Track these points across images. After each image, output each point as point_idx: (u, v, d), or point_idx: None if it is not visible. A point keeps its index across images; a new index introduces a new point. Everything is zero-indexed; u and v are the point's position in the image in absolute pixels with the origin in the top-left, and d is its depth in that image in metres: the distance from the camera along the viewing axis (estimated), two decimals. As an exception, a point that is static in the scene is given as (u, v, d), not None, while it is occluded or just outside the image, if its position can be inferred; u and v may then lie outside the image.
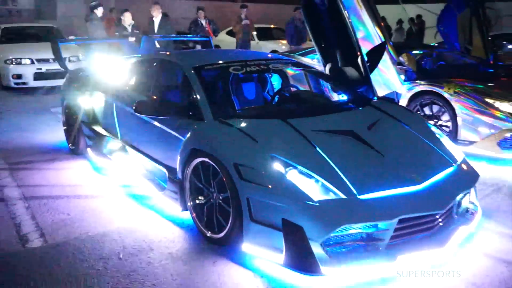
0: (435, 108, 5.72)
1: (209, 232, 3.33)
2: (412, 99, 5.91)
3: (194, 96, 3.74)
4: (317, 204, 2.79)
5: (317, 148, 3.15)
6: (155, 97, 4.19)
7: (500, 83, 5.81)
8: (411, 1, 15.02)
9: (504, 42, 9.45)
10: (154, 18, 9.75)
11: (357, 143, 3.32)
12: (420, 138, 3.59)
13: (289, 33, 12.32)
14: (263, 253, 2.96)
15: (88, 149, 5.15)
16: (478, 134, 5.33)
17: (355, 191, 2.90)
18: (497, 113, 5.22)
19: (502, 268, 3.03)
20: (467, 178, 3.43)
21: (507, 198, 4.24)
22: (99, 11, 9.31)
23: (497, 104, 5.29)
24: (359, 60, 4.39)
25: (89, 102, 5.13)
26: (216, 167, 3.18)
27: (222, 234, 3.22)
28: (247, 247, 3.03)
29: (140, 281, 2.89)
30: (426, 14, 15.23)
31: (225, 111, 3.68)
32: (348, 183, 2.93)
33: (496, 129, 5.18)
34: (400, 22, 14.85)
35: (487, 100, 5.33)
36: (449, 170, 3.35)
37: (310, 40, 12.11)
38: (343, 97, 4.50)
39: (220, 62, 4.28)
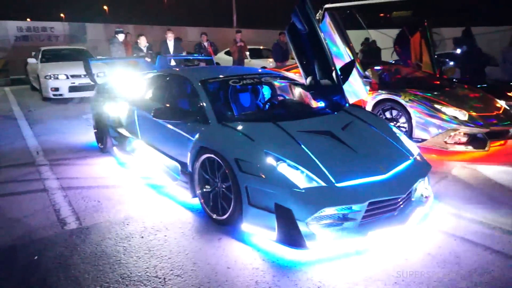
0: (394, 112, 5.70)
1: (215, 215, 3.27)
2: (375, 105, 5.88)
3: (201, 104, 3.67)
4: (303, 191, 2.75)
5: (302, 145, 3.10)
6: (168, 105, 4.12)
7: (445, 93, 5.80)
8: (371, 27, 15.06)
9: (447, 60, 9.46)
10: (168, 41, 9.63)
11: (334, 141, 3.28)
12: (384, 136, 3.57)
13: (275, 52, 12.29)
14: (259, 231, 2.91)
15: (114, 148, 5.06)
16: (429, 133, 5.32)
17: (333, 180, 2.86)
18: (444, 116, 5.21)
19: (452, 241, 3.01)
20: (422, 168, 3.41)
21: (452, 184, 4.23)
22: (121, 37, 9.17)
23: (443, 109, 5.28)
24: (333, 74, 4.34)
25: (114, 110, 5.03)
26: (220, 161, 3.13)
27: (225, 216, 3.16)
28: (245, 226, 2.98)
29: (158, 256, 2.83)
30: (382, 37, 15.35)
31: (226, 116, 3.61)
32: (327, 173, 2.89)
33: (443, 129, 5.18)
34: (364, 43, 14.84)
35: (436, 106, 5.32)
36: (408, 162, 3.32)
37: (293, 58, 12.14)
38: (321, 104, 4.45)
39: (221, 76, 4.21)
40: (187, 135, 3.60)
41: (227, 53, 14.67)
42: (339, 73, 4.38)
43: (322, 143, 3.23)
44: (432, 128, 5.26)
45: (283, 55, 12.15)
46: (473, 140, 5.19)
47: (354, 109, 4.12)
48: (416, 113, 5.36)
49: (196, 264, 2.73)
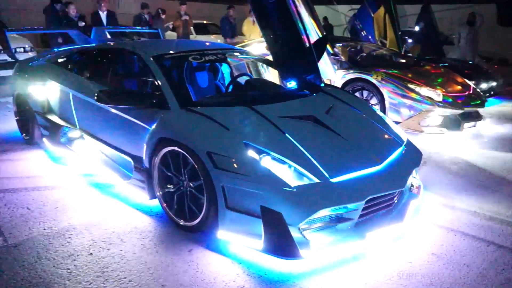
0: (365, 93, 5.53)
1: (182, 221, 2.83)
2: (344, 85, 5.67)
3: (157, 85, 3.15)
4: (294, 189, 2.39)
5: (286, 134, 2.73)
6: (114, 87, 3.54)
7: (415, 71, 5.73)
8: (323, 3, 14.99)
9: (406, 37, 9.55)
10: (100, 12, 8.72)
11: (320, 128, 2.95)
12: (371, 121, 3.31)
13: (223, 28, 11.78)
14: (240, 240, 2.52)
15: (44, 139, 4.35)
16: (401, 115, 5.21)
17: (327, 175, 2.53)
18: (417, 97, 5.12)
19: (452, 236, 2.85)
20: (414, 156, 3.20)
21: (435, 171, 4.13)
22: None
23: (417, 89, 5.20)
24: (306, 50, 4.00)
25: (42, 93, 4.32)
26: (187, 156, 2.67)
27: (195, 222, 2.73)
28: (222, 234, 2.57)
29: (115, 278, 2.34)
30: (334, 13, 15.41)
31: (190, 99, 3.12)
32: (319, 167, 2.56)
33: (416, 111, 5.09)
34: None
35: (409, 85, 5.22)
36: (399, 149, 3.09)
37: (243, 34, 11.65)
38: (293, 84, 4.11)
39: (179, 51, 3.68)
40: (141, 123, 3.07)
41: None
42: (313, 49, 4.05)
43: (308, 131, 2.89)
44: (405, 110, 5.16)
45: (232, 30, 11.69)
46: (446, 121, 5.17)
47: (333, 90, 3.82)
48: (389, 93, 5.23)
49: (165, 286, 2.29)
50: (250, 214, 2.44)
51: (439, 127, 5.13)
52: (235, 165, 2.48)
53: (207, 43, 4.54)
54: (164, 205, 2.95)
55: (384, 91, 5.25)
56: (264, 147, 2.56)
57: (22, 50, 8.04)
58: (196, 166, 2.62)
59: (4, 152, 4.45)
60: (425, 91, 5.16)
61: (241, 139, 2.59)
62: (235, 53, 4.03)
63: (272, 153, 2.54)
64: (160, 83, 3.12)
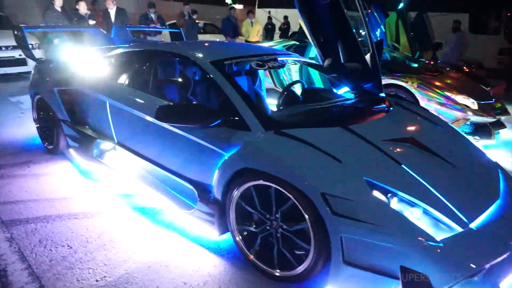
0: (398, 100, 4.79)
1: (270, 269, 2.02)
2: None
3: (226, 98, 2.28)
4: (441, 244, 1.63)
5: (403, 166, 1.96)
6: (176, 102, 2.64)
7: (442, 78, 5.03)
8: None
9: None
10: (109, 10, 7.60)
11: (427, 154, 2.18)
12: (464, 141, 2.57)
13: (225, 28, 10.86)
14: (361, 302, 1.75)
15: (71, 150, 3.42)
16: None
17: (465, 219, 1.78)
18: (454, 105, 4.44)
19: None
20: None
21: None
22: (59, 2, 6.78)
23: (453, 96, 4.50)
24: (368, 55, 3.22)
25: (70, 99, 3.37)
26: (285, 193, 1.86)
27: (290, 273, 1.94)
28: (334, 292, 1.79)
29: None
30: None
31: (271, 118, 2.27)
32: (455, 210, 1.81)
33: (453, 119, 4.41)
34: (283, 23, 13.76)
35: (446, 93, 4.52)
36: (499, 173, 2.37)
37: (241, 35, 10.67)
38: (340, 92, 3.34)
39: (238, 55, 2.79)
40: (210, 146, 2.22)
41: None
42: (376, 54, 3.26)
43: (419, 159, 2.11)
44: (443, 118, 4.46)
45: (234, 30, 10.75)
46: (479, 130, 4.52)
47: (405, 103, 3.06)
48: (426, 101, 4.51)
49: None
50: (380, 273, 1.67)
51: (472, 135, 4.48)
52: (358, 211, 1.69)
53: (255, 47, 3.64)
54: (242, 244, 2.13)
55: (420, 98, 4.54)
56: (390, 185, 1.78)
57: (36, 46, 6.84)
58: (300, 207, 1.82)
59: (27, 165, 3.48)
60: (460, 99, 4.49)
61: (359, 175, 1.80)
62: (290, 58, 3.19)
63: (400, 193, 1.76)
64: (230, 96, 2.26)
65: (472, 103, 4.49)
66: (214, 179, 2.19)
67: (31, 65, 5.69)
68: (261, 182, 1.95)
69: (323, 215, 1.72)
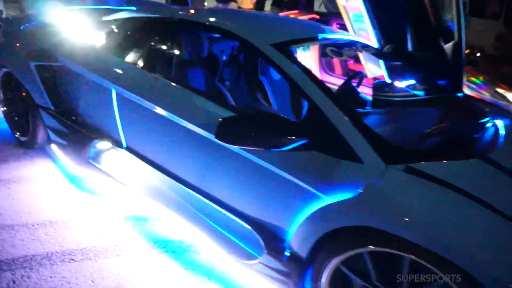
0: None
1: None
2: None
3: (314, 107, 1.51)
4: None
5: None
6: (231, 105, 1.84)
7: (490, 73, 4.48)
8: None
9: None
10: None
11: None
12: None
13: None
14: None
15: (54, 147, 2.54)
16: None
17: None
18: (507, 103, 3.90)
19: None
20: None
21: None
22: None
23: (506, 94, 3.96)
24: (449, 44, 2.53)
25: (52, 77, 2.45)
26: (440, 273, 1.18)
27: None
28: None
29: None
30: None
31: (391, 143, 1.47)
32: None
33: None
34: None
35: (498, 90, 3.96)
36: None
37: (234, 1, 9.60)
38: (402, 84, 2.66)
39: (307, 37, 1.98)
40: (294, 179, 1.46)
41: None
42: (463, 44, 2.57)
43: None
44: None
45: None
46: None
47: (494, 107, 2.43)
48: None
49: None
50: None
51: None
52: None
53: (317, 25, 2.75)
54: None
55: (471, 94, 3.94)
56: None
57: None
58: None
59: (-10, 165, 2.56)
60: (511, 96, 3.95)
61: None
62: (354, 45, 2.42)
63: None
64: (323, 107, 1.49)
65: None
66: (297, 228, 1.47)
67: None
68: (392, 251, 1.25)
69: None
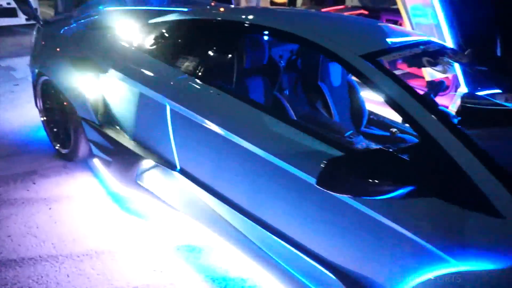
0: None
1: None
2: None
3: (427, 140, 1.20)
4: None
5: None
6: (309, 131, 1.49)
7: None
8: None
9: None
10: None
11: None
12: None
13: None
14: None
15: (97, 162, 2.35)
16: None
17: None
18: None
19: None
20: None
21: None
22: None
23: None
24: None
25: (96, 88, 2.23)
26: None
27: None
28: None
29: None
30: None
31: None
32: None
33: None
34: None
35: None
36: None
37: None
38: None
39: (398, 45, 1.66)
40: (409, 234, 1.14)
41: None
42: None
43: None
44: None
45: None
46: None
47: None
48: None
49: None
50: None
51: None
52: None
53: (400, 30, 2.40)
54: None
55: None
56: None
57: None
58: None
59: (31, 180, 2.37)
60: None
61: None
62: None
63: None
64: (440, 141, 1.16)
65: None
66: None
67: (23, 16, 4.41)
68: None
69: None
